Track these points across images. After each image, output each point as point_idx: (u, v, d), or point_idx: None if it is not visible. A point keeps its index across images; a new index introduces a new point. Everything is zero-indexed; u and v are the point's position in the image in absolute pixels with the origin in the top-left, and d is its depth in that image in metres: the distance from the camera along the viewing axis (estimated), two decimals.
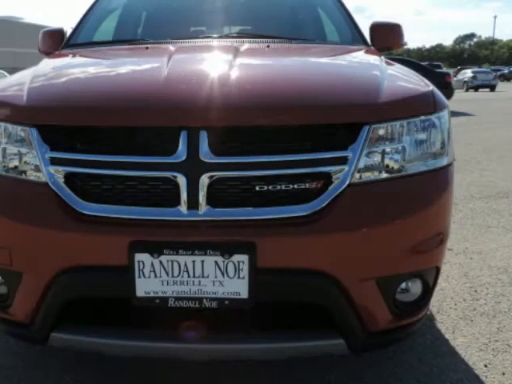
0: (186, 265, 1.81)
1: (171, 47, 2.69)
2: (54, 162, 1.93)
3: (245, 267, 1.80)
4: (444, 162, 2.07)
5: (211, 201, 1.84)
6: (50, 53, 3.37)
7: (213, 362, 2.30)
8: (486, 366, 2.48)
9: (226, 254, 1.79)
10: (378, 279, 1.93)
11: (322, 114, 1.91)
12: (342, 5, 3.71)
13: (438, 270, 2.11)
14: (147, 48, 2.87)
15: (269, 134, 1.89)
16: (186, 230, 1.85)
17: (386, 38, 3.38)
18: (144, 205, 1.88)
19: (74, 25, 3.63)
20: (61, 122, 1.96)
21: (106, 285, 1.93)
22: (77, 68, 2.63)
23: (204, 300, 1.84)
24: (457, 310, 3.06)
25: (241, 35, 3.33)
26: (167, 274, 1.82)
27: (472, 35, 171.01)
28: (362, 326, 1.94)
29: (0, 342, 2.66)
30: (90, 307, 2.06)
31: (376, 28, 3.44)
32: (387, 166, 1.95)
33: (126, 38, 3.46)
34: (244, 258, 1.79)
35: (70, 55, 3.00)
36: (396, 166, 1.96)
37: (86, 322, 2.04)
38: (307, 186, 1.89)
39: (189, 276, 1.82)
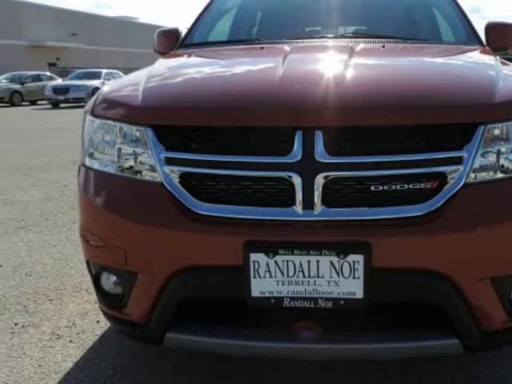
0: (301, 265, 1.82)
1: (286, 47, 2.68)
2: (170, 162, 1.95)
3: (360, 267, 1.80)
4: None
5: (326, 201, 1.85)
6: (164, 53, 3.39)
7: (326, 361, 2.31)
8: None
9: (342, 254, 1.79)
10: (494, 279, 1.90)
11: (438, 114, 1.90)
12: (458, 5, 3.68)
13: None
14: (262, 48, 2.89)
15: (384, 133, 1.89)
16: (301, 230, 1.85)
17: (501, 38, 3.36)
18: (259, 205, 1.89)
19: (188, 25, 3.65)
20: (176, 122, 1.98)
21: (221, 285, 1.94)
22: (192, 68, 2.66)
23: (319, 300, 1.84)
24: None
25: (356, 35, 3.34)
26: (282, 274, 1.83)
27: None
28: (478, 326, 1.92)
29: (115, 342, 2.70)
30: (202, 306, 2.07)
31: (491, 28, 3.42)
32: (502, 165, 1.93)
33: (241, 38, 3.48)
34: (359, 258, 1.79)
35: (185, 55, 3.02)
36: (511, 166, 1.94)
37: (199, 321, 2.06)
38: (422, 186, 1.88)
39: (304, 276, 1.83)
